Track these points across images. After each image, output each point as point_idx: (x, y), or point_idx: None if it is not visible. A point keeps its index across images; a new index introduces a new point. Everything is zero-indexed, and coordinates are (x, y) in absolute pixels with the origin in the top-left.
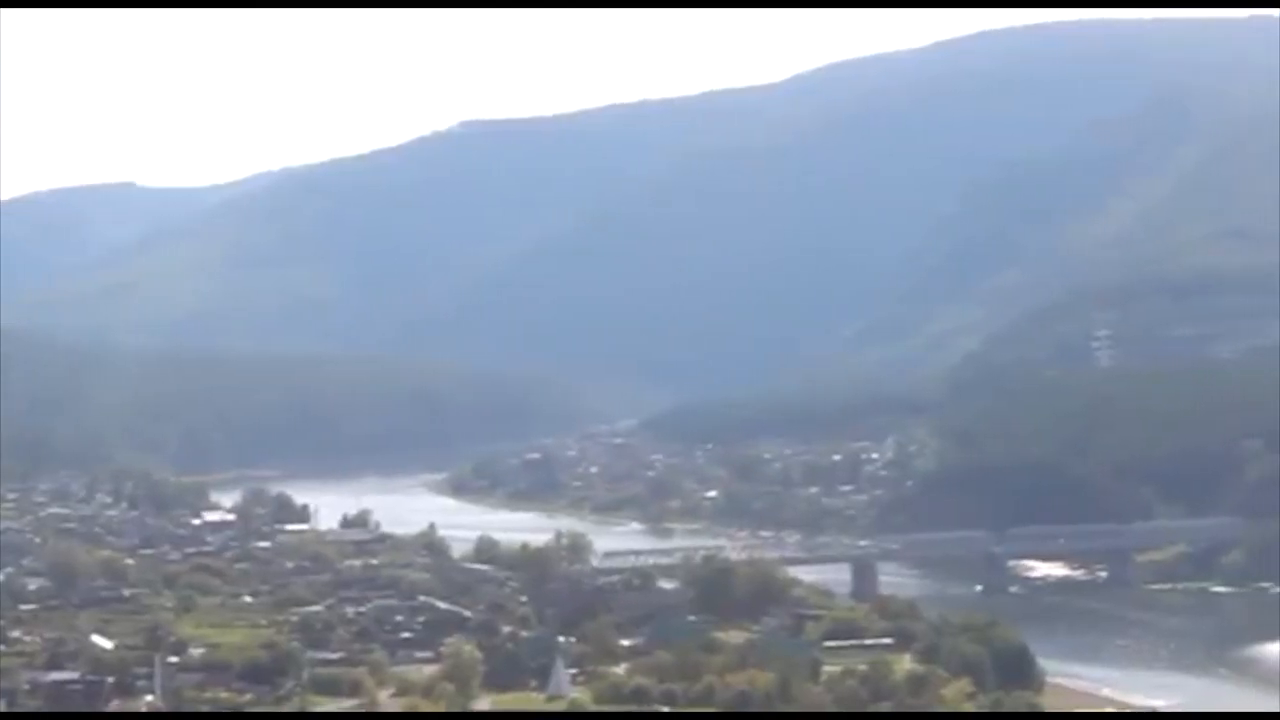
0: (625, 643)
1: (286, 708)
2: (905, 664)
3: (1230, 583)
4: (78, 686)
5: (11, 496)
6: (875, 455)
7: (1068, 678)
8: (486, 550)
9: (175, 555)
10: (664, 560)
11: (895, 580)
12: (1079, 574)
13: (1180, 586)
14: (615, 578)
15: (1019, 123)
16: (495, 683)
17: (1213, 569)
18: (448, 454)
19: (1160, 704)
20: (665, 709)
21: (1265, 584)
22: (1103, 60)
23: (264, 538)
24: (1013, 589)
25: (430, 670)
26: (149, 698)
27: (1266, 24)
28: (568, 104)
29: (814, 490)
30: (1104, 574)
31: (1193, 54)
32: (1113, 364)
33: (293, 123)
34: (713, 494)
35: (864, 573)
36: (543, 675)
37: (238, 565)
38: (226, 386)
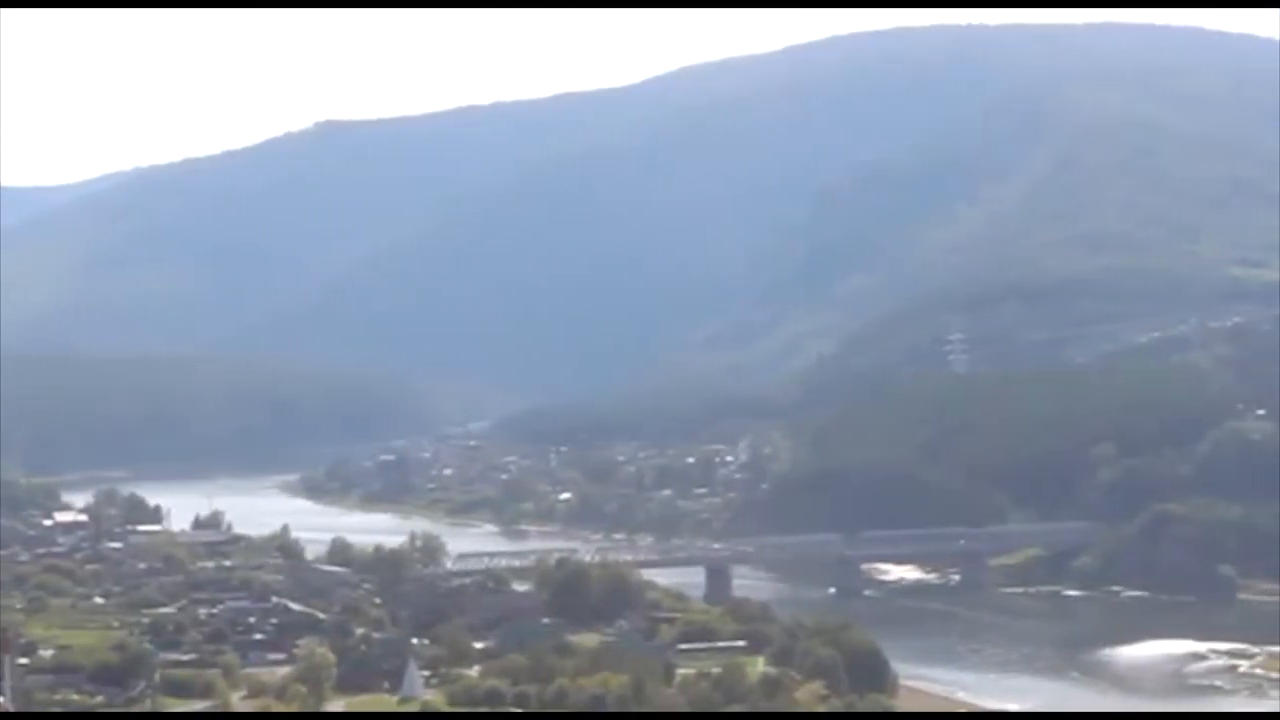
0: (478, 645)
1: (137, 709)
2: (759, 666)
3: (1082, 586)
4: None
5: None
6: (730, 458)
7: (921, 680)
8: (340, 552)
9: (25, 556)
10: (517, 563)
11: (749, 583)
12: (932, 577)
13: (1032, 590)
14: (469, 580)
15: (872, 127)
16: (348, 684)
17: (1065, 572)
18: (301, 455)
19: (1014, 707)
20: (517, 711)
21: (1116, 587)
22: (954, 65)
23: (115, 539)
24: (866, 592)
25: (283, 672)
26: None
27: (1116, 29)
28: (422, 106)
29: (668, 493)
30: (957, 577)
31: (1044, 59)
32: (966, 368)
33: (146, 122)
34: (566, 496)
35: (718, 575)
36: (395, 677)
37: (89, 566)
38: (78, 387)
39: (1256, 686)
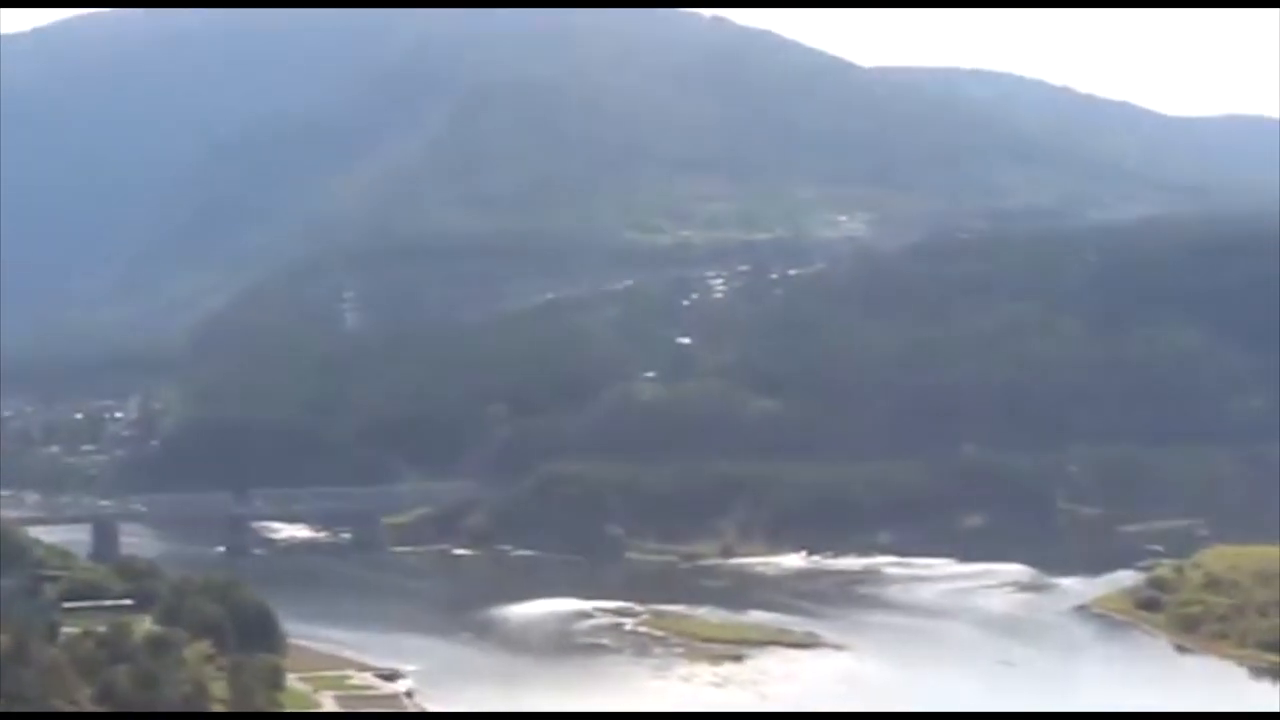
0: None
1: None
2: (146, 625)
3: (472, 545)
4: None
5: None
6: (119, 414)
7: (311, 640)
8: None
9: None
10: None
11: (138, 541)
12: (323, 536)
13: (423, 549)
14: None
15: (269, 81)
16: None
17: (455, 531)
18: None
19: (408, 667)
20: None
21: (506, 546)
22: (353, 21)
23: None
24: (256, 550)
25: None
26: None
27: None
28: None
29: (55, 449)
30: (348, 536)
31: (442, 19)
32: (360, 326)
33: None
34: None
35: (104, 533)
36: None
37: None
38: None
39: (641, 644)
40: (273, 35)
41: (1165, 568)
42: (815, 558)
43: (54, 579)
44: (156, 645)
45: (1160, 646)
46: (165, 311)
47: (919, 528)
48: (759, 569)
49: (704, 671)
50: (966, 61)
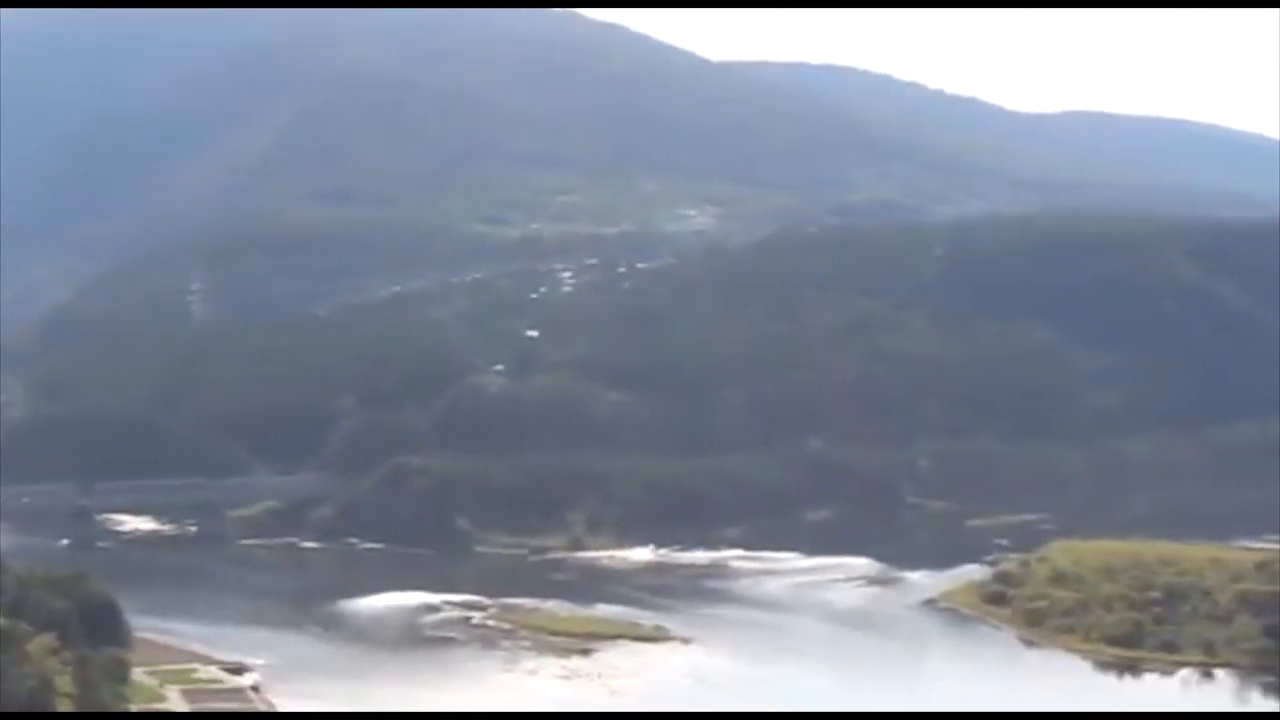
0: None
1: None
2: None
3: (319, 538)
4: None
5: None
6: None
7: (158, 633)
8: None
9: None
10: None
11: None
12: (169, 529)
13: (270, 542)
14: None
15: (109, 73)
16: None
17: (302, 524)
18: None
19: (257, 661)
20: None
21: (353, 539)
22: (197, 13)
23: None
24: (101, 543)
25: None
26: None
27: None
28: None
29: None
30: (195, 529)
31: (288, 12)
32: (208, 318)
33: None
34: None
35: None
36: None
37: None
38: None
39: (488, 637)
40: (116, 27)
41: (1012, 562)
42: (663, 551)
43: None
44: (1, 639)
45: (1006, 640)
46: (9, 303)
47: (767, 522)
48: (607, 563)
49: (551, 665)
50: (815, 57)
